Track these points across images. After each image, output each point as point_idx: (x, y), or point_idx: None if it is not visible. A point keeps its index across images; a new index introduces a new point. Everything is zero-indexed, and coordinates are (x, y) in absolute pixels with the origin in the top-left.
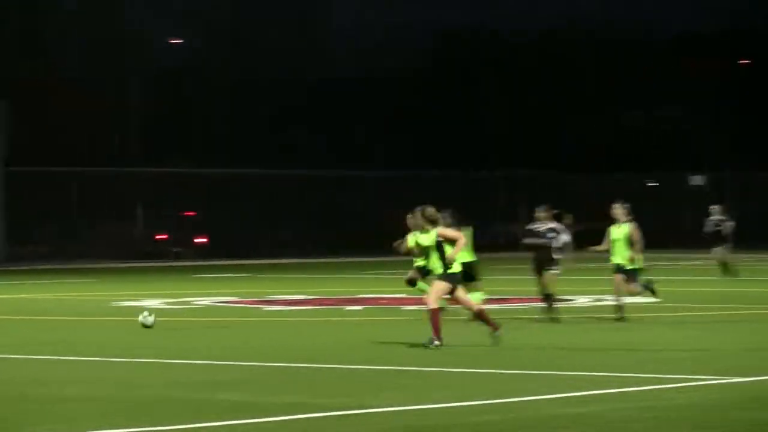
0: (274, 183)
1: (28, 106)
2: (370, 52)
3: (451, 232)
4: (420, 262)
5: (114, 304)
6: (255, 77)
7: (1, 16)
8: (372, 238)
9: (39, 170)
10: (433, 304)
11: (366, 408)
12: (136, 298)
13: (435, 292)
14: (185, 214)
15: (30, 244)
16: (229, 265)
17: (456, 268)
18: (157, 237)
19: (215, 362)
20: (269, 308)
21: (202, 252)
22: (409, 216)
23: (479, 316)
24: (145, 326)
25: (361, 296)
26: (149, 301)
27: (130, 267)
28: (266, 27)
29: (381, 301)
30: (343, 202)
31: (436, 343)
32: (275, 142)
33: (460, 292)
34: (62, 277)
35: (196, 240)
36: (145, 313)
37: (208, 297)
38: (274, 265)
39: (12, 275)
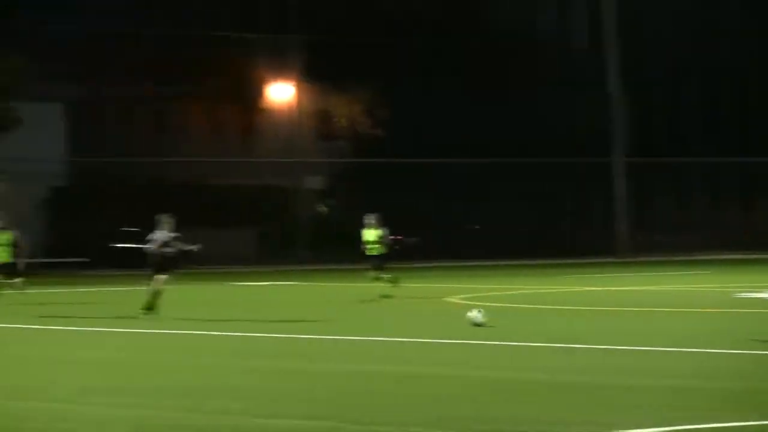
0: None
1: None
2: None
3: None
4: None
5: (735, 295)
6: None
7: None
8: None
9: (657, 161)
10: None
11: None
12: (758, 289)
13: None
14: None
15: (652, 234)
16: None
17: None
18: None
19: None
20: None
21: None
22: None
23: None
24: (476, 324)
25: None
26: None
27: (750, 258)
28: None
29: None
30: None
31: None
32: None
33: None
34: (681, 268)
35: None
36: (475, 311)
37: None
38: None
39: (636, 267)
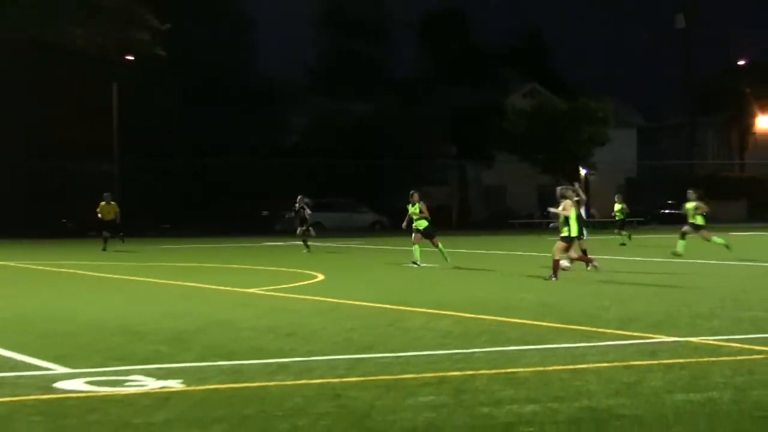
0: None
1: None
2: None
3: (564, 209)
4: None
5: None
6: None
7: None
8: None
9: None
10: (555, 256)
11: None
12: None
13: (556, 248)
14: None
15: None
16: None
17: (568, 232)
18: None
19: None
20: None
21: None
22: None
23: (579, 259)
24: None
25: None
26: None
27: None
28: None
29: None
30: None
31: (553, 279)
32: None
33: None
34: None
35: None
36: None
37: None
38: None
39: None
